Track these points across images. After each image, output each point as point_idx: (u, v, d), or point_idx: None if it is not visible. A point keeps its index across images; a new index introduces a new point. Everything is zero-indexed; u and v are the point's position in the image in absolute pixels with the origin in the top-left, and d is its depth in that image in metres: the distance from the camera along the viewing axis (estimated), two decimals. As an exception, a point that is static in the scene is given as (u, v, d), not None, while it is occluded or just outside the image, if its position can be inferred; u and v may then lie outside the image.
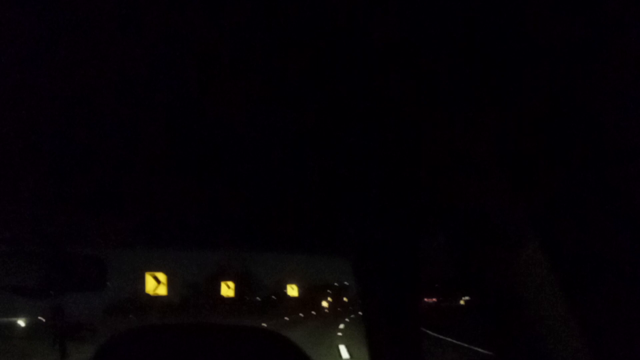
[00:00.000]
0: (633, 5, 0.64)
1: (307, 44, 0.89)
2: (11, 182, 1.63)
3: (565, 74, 0.76)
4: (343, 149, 1.39)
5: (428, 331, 13.95)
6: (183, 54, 0.94)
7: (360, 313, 1.96)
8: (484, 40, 0.80)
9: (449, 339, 13.21)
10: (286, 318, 38.15)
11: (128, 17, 0.82)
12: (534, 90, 0.80)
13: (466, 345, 11.50)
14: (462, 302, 34.03)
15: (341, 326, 24.80)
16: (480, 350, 10.08)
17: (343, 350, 12.63)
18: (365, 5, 0.77)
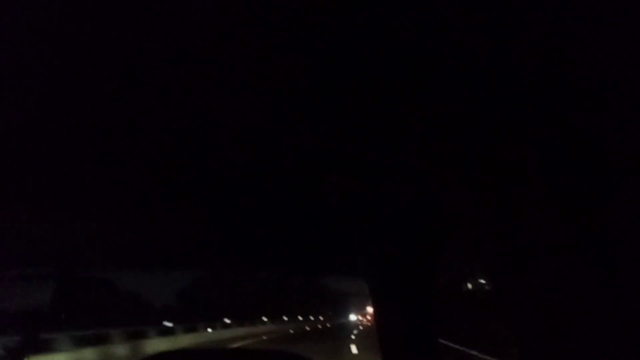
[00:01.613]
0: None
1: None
2: (21, 199, 1.61)
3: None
4: (363, 169, 1.37)
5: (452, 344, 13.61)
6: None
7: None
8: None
9: (475, 353, 12.84)
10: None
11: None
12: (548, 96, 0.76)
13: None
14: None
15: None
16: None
17: (353, 348, 13.33)
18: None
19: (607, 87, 0.70)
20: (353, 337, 21.83)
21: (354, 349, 15.25)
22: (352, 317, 48.74)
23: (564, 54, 0.73)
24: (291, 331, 28.78)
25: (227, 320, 27.44)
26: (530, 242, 0.78)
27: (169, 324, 20.50)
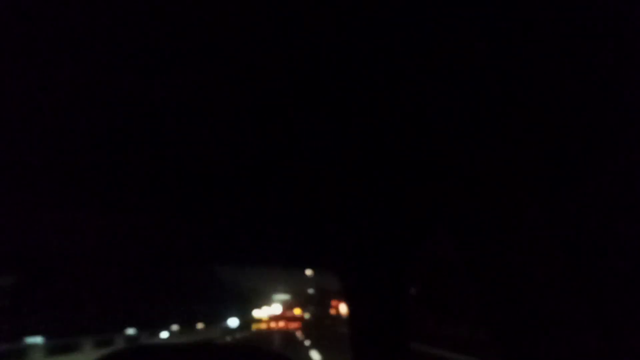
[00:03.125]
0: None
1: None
2: None
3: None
4: (340, 160, 1.33)
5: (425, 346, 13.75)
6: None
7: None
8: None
9: (449, 354, 12.97)
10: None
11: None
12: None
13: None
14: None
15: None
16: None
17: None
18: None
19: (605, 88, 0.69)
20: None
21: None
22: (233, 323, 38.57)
23: (558, 55, 0.71)
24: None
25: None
26: (514, 245, 0.76)
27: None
